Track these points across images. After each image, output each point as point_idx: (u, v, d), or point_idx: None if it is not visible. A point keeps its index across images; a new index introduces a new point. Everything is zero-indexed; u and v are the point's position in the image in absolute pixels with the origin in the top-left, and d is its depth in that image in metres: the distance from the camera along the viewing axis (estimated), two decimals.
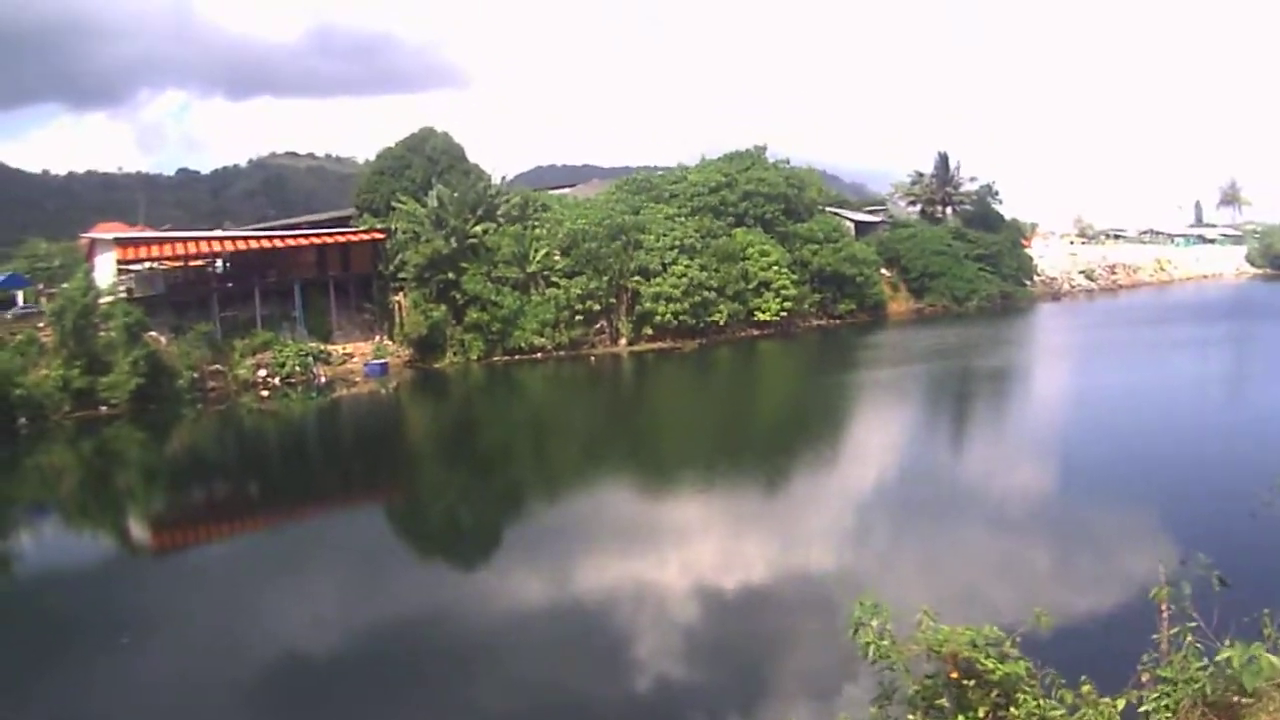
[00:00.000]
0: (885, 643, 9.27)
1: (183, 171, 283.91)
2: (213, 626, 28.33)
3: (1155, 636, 9.34)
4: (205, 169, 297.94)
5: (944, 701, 9.26)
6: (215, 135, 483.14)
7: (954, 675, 9.12)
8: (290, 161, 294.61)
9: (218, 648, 26.46)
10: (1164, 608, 9.26)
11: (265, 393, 77.57)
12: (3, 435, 65.22)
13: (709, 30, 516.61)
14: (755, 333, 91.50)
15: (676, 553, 32.96)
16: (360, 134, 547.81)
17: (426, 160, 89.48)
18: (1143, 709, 8.73)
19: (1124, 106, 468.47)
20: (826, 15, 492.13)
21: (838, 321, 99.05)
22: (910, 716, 9.30)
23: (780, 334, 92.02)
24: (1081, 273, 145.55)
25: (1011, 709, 8.85)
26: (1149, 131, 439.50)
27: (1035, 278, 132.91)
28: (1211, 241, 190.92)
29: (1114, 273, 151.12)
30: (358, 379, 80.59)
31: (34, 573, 38.21)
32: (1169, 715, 8.58)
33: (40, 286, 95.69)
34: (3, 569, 39.50)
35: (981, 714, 8.91)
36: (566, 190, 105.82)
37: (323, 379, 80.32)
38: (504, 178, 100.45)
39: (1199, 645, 8.87)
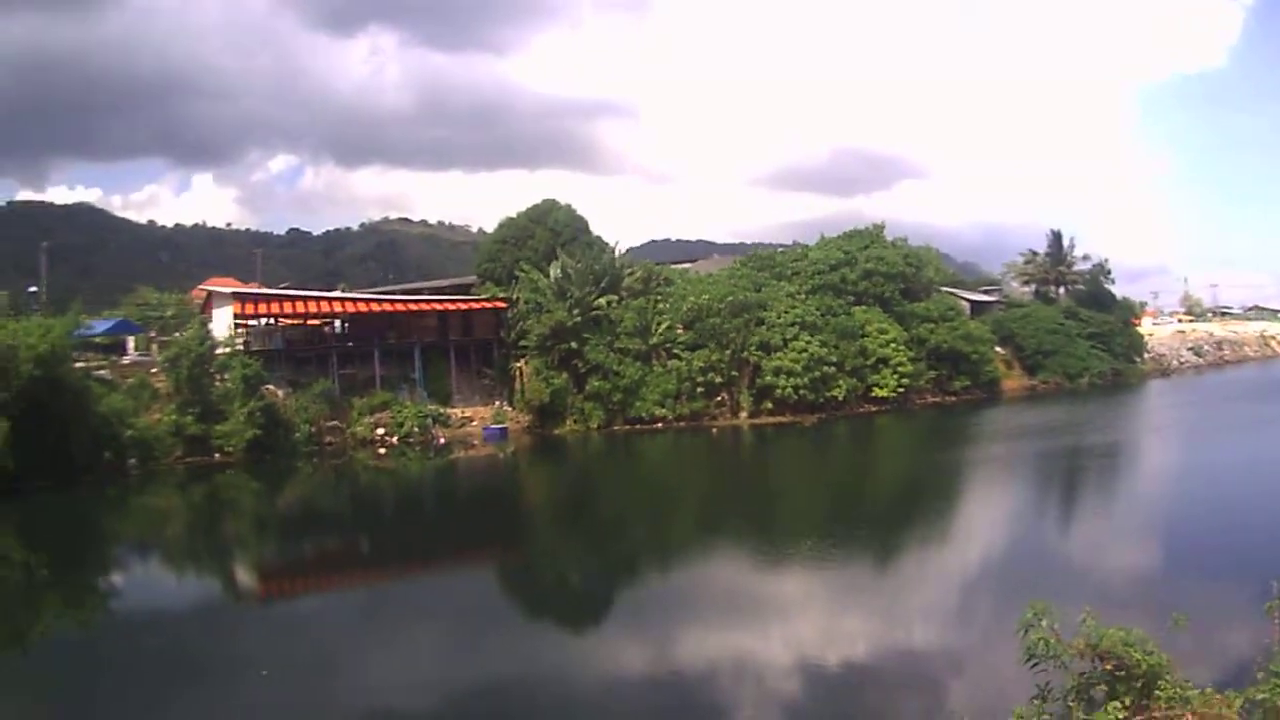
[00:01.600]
0: (1052, 640, 10.98)
1: (293, 231, 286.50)
2: (306, 678, 28.39)
3: (1269, 641, 11.19)
4: (316, 230, 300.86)
5: (1099, 690, 11.02)
6: (327, 198, 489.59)
7: (1108, 667, 10.95)
8: (402, 227, 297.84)
9: (309, 701, 26.46)
10: (1276, 618, 11.25)
11: (382, 450, 78.09)
12: (113, 475, 66.24)
13: (824, 99, 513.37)
14: (873, 408, 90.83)
15: (782, 625, 32.54)
16: (474, 203, 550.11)
17: (549, 232, 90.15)
18: (1259, 696, 10.40)
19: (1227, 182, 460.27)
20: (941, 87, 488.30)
21: (953, 398, 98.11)
22: (1070, 704, 10.94)
23: (897, 409, 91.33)
24: (1190, 349, 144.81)
25: (1155, 693, 10.63)
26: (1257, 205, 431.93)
27: (1145, 354, 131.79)
28: None
29: (1220, 349, 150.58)
30: (476, 442, 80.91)
31: (133, 612, 38.49)
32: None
33: (152, 334, 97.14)
34: (104, 605, 40.07)
35: (1128, 702, 10.46)
36: (687, 265, 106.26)
37: (441, 440, 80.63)
38: (625, 250, 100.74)
39: None
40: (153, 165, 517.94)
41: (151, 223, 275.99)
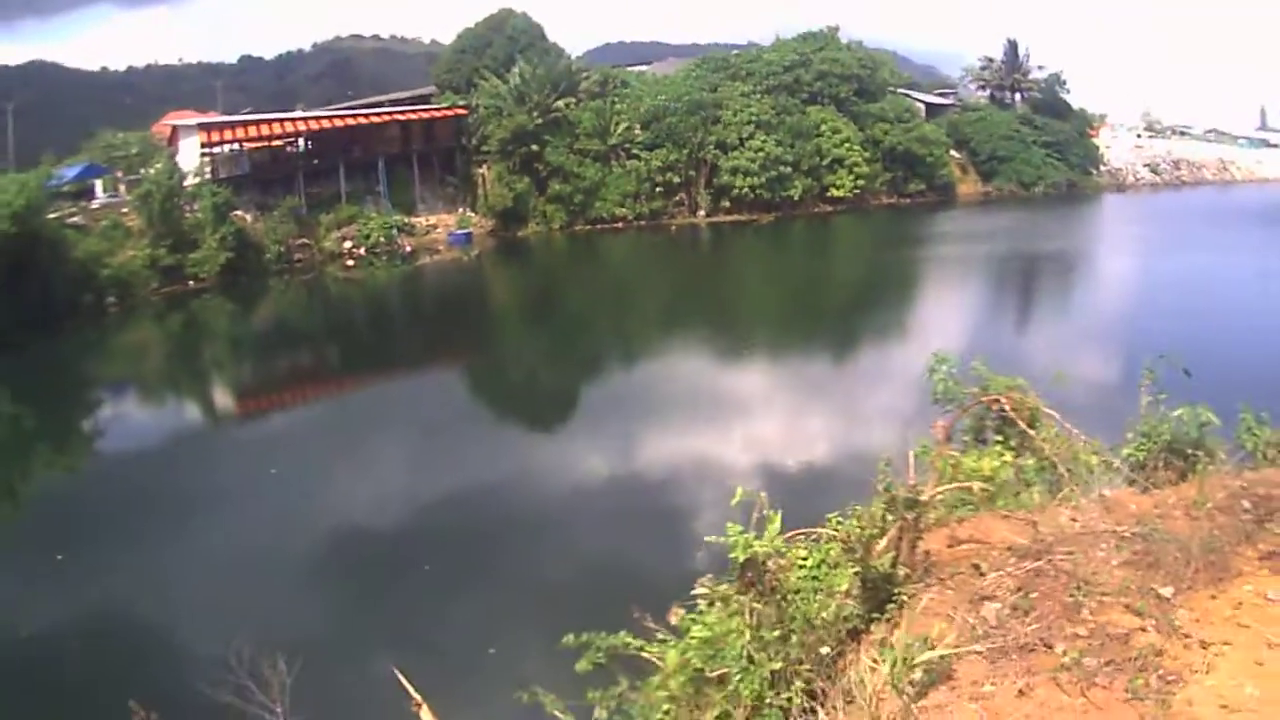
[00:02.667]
0: (950, 384, 12.36)
1: (245, 58, 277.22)
2: (286, 494, 29.23)
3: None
4: (268, 54, 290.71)
5: (988, 427, 12.19)
6: (275, 19, 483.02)
7: (993, 406, 11.94)
8: (355, 44, 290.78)
9: (287, 515, 27.26)
10: (1143, 385, 11.73)
11: (350, 263, 79.51)
12: (93, 315, 67.21)
13: None
14: (828, 208, 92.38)
15: (741, 422, 33.51)
16: (424, 13, 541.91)
17: (507, 39, 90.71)
18: (1125, 452, 11.16)
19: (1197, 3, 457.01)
20: None
21: (907, 200, 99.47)
22: (965, 440, 11.97)
23: (852, 210, 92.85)
24: (1146, 166, 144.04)
25: (1038, 434, 11.47)
26: (1220, 30, 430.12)
27: (1101, 168, 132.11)
28: (1275, 146, 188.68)
29: (1178, 168, 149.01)
30: (441, 248, 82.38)
31: (117, 450, 39.26)
32: (1144, 456, 10.99)
33: (119, 174, 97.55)
34: (90, 448, 40.86)
35: (1014, 444, 11.41)
36: (643, 68, 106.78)
37: (408, 249, 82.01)
38: (580, 54, 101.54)
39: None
40: (98, 10, 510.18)
41: (104, 69, 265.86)
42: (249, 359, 56.80)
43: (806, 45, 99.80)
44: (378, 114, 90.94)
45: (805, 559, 8.55)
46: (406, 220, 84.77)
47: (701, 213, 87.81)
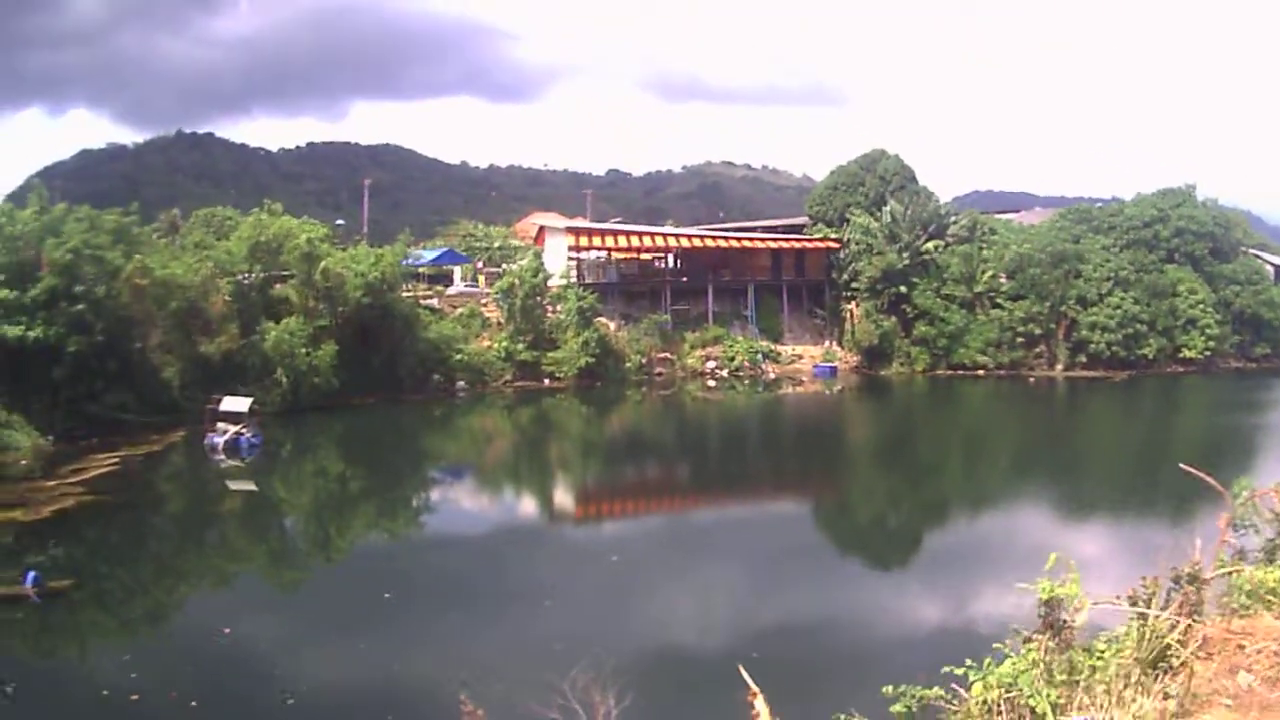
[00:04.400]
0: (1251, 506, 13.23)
1: (614, 172, 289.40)
2: (600, 603, 29.25)
3: None
4: (636, 171, 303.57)
5: None
6: (647, 138, 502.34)
7: None
8: (725, 170, 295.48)
9: (594, 627, 26.36)
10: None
11: (712, 383, 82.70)
12: (441, 396, 71.79)
13: (1140, 65, 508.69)
14: (1179, 369, 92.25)
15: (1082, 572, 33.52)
16: (793, 149, 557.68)
17: (878, 179, 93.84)
18: None
19: None
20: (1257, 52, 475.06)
21: (1253, 365, 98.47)
22: (1258, 555, 12.66)
23: (1202, 371, 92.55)
24: None
25: None
26: None
27: None
28: None
29: None
30: (804, 379, 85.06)
31: (443, 527, 41.10)
32: None
33: (479, 264, 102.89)
34: (415, 519, 43.03)
35: None
36: (1010, 215, 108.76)
37: (771, 375, 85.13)
38: (949, 200, 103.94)
39: None
40: (456, 104, 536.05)
41: (464, 163, 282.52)
42: (596, 462, 58.22)
43: (1165, 201, 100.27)
44: (750, 238, 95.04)
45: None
46: (772, 348, 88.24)
47: (1059, 366, 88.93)
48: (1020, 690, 8.73)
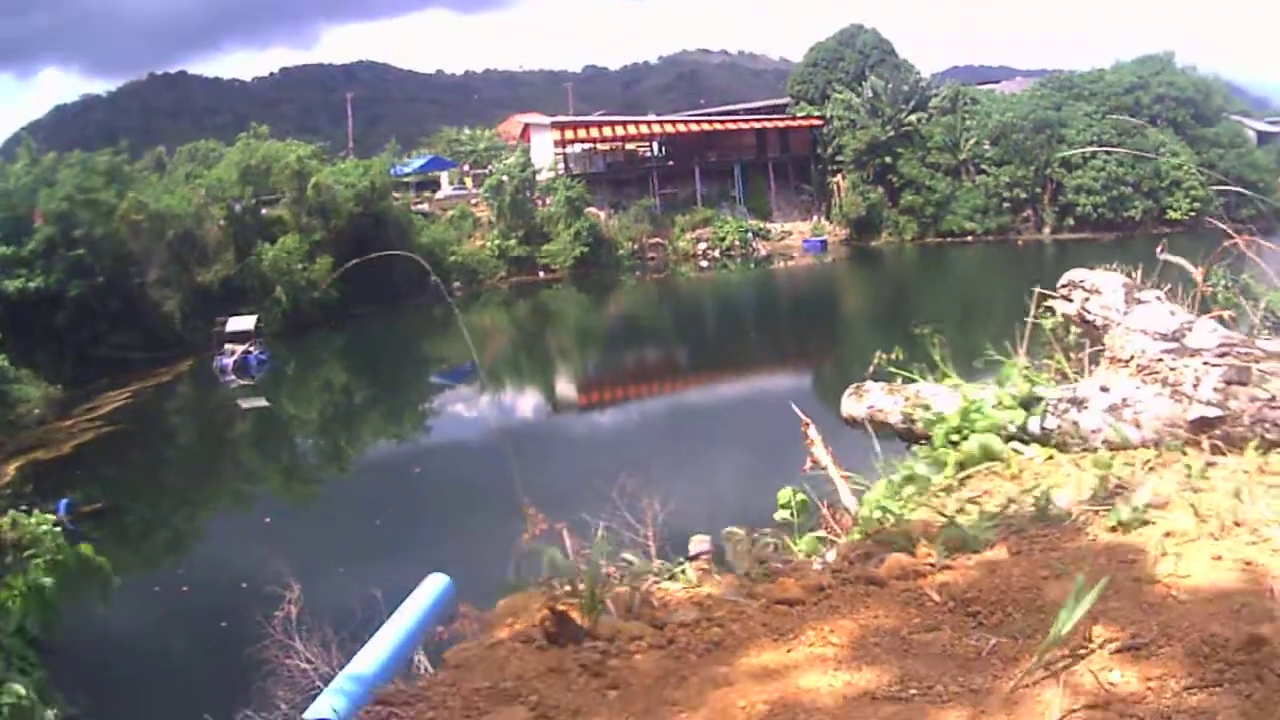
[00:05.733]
0: None
1: (590, 68, 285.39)
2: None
3: None
4: (613, 66, 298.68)
5: None
6: (620, 31, 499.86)
7: None
8: (702, 58, 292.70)
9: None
10: None
11: (704, 264, 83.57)
12: (438, 297, 71.92)
13: None
14: (1166, 230, 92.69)
15: None
16: (771, 30, 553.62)
17: (858, 54, 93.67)
18: None
19: None
20: None
21: (1239, 225, 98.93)
22: None
23: (1189, 232, 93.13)
24: None
25: None
26: None
27: None
28: None
29: None
30: (795, 254, 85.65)
31: (448, 429, 41.67)
32: None
33: (465, 168, 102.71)
34: (421, 424, 44.08)
35: None
36: (991, 86, 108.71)
37: (762, 252, 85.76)
38: (930, 75, 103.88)
39: None
40: (427, 18, 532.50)
41: (439, 71, 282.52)
42: (596, 350, 59.66)
43: (1144, 69, 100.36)
44: (734, 119, 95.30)
45: None
46: (762, 226, 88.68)
47: (1047, 229, 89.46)
48: None
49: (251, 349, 53.57)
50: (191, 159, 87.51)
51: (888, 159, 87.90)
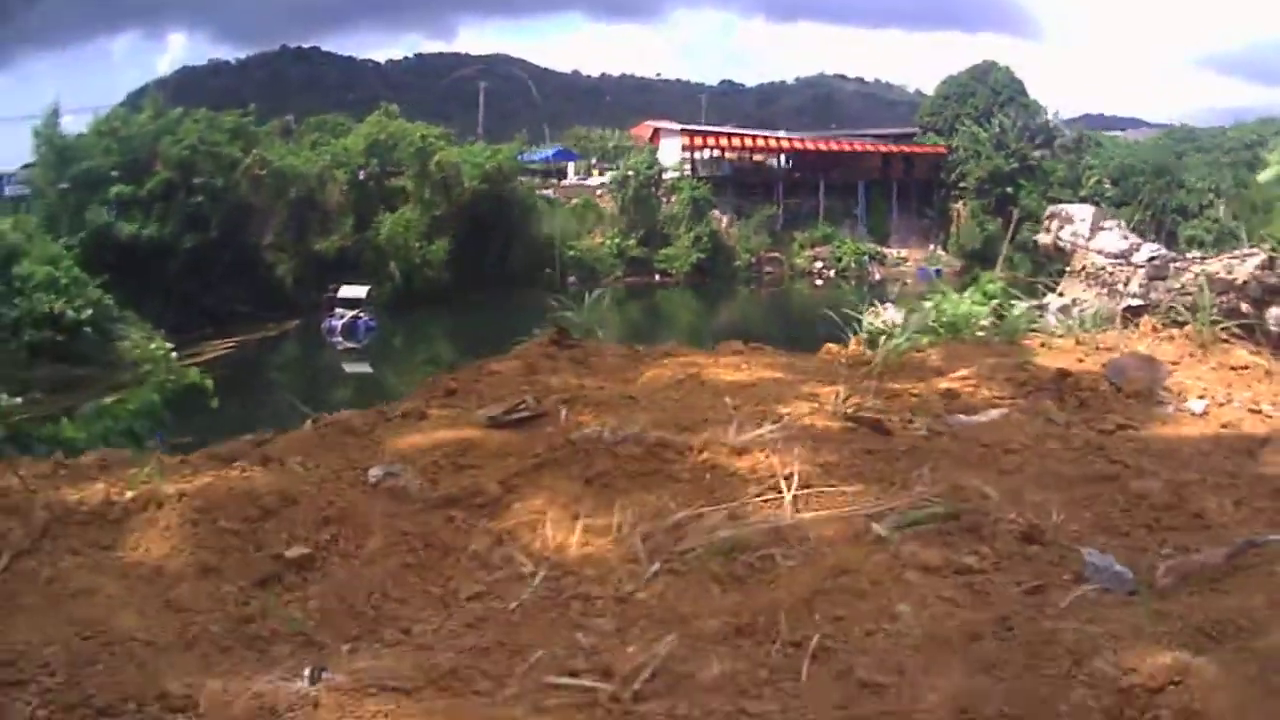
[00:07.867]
0: None
1: (726, 83, 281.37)
2: None
3: None
4: (749, 83, 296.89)
5: None
6: (760, 52, 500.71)
7: None
8: (838, 83, 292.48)
9: None
10: None
11: (819, 282, 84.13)
12: (551, 289, 73.30)
13: None
14: None
15: None
16: (908, 62, 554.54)
17: (989, 90, 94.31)
18: None
19: None
20: None
21: None
22: None
23: None
24: None
25: None
26: None
27: None
28: None
29: None
30: (909, 281, 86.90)
31: None
32: None
33: (593, 161, 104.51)
34: None
35: None
36: (1117, 133, 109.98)
37: (876, 276, 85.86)
38: (1058, 114, 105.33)
39: None
40: (570, 18, 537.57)
41: (576, 72, 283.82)
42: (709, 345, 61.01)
43: (1265, 129, 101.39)
44: (860, 140, 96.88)
45: None
46: (879, 250, 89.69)
47: None
48: None
49: (361, 315, 55.10)
50: (319, 129, 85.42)
51: (1009, 189, 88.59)
